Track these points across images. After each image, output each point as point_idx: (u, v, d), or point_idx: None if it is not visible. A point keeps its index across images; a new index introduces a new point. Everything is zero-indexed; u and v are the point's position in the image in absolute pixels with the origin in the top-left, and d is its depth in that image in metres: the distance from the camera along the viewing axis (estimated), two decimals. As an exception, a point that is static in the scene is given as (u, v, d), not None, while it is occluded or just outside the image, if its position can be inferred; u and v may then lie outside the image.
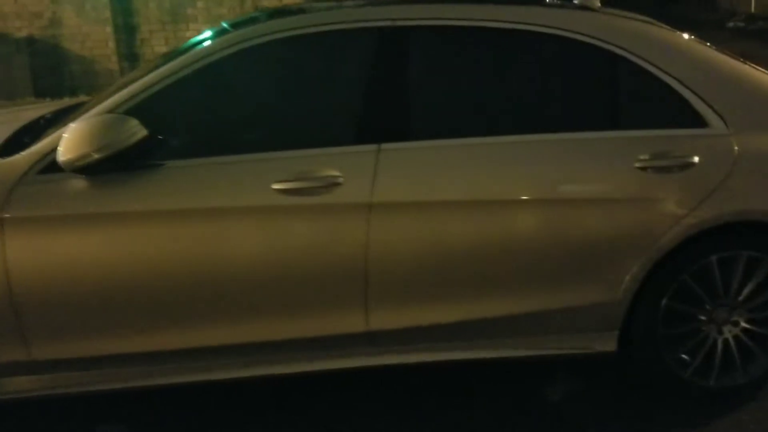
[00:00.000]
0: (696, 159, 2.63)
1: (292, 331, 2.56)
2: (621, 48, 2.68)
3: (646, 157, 2.61)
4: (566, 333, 2.76)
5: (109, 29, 8.61)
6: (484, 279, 2.62)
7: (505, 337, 2.74)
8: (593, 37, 2.68)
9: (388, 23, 2.63)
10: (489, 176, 2.59)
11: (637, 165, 2.60)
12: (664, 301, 2.72)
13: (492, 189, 2.58)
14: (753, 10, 14.80)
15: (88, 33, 8.62)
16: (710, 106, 2.68)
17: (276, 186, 2.46)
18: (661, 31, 2.84)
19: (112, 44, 8.58)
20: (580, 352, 2.78)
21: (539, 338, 2.76)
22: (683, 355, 2.82)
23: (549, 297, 2.67)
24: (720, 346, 2.82)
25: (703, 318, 2.79)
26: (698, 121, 2.68)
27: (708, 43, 2.94)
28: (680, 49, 2.78)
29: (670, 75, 2.68)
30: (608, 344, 2.77)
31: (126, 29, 8.69)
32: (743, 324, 2.82)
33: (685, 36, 2.86)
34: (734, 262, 2.71)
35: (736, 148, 2.65)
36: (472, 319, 2.66)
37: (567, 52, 2.71)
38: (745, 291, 2.76)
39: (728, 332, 2.82)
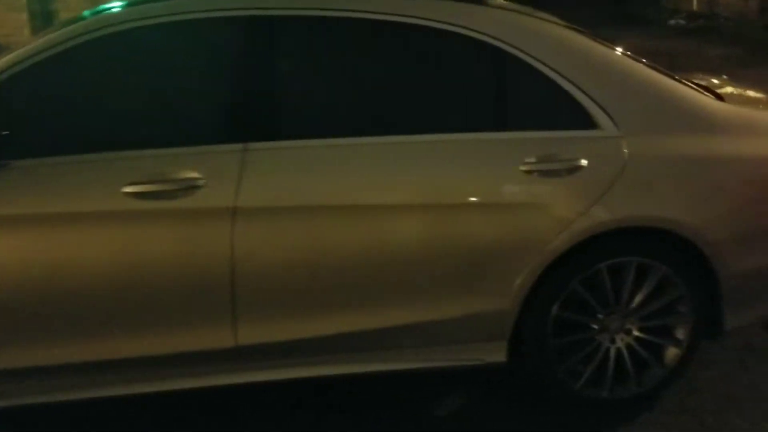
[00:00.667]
0: (584, 162, 2.51)
1: (151, 348, 2.36)
2: (509, 45, 2.54)
3: (533, 160, 2.48)
4: (454, 344, 2.62)
5: (24, 16, 8.23)
6: (363, 289, 2.46)
7: (389, 349, 2.59)
8: (479, 32, 2.53)
9: (256, 12, 2.44)
10: (365, 179, 2.43)
11: (523, 168, 2.47)
12: (553, 310, 2.60)
13: (368, 193, 2.42)
14: (695, 8, 14.99)
15: (3, 20, 8.22)
16: (601, 107, 2.56)
17: (127, 189, 2.25)
18: (554, 29, 2.70)
19: (27, 31, 8.19)
20: (470, 363, 2.65)
21: (426, 350, 2.62)
22: (575, 366, 2.70)
23: (434, 307, 2.53)
24: (613, 355, 2.72)
25: (594, 327, 2.68)
26: (588, 123, 2.56)
27: (613, 46, 2.82)
28: (572, 48, 2.65)
29: (560, 74, 2.55)
30: (498, 355, 2.65)
31: (43, 16, 8.31)
32: (636, 333, 2.72)
33: (580, 34, 2.72)
34: (625, 269, 2.61)
35: (626, 150, 2.54)
36: (351, 332, 2.50)
37: (449, 47, 2.56)
38: (637, 299, 2.66)
39: (621, 341, 2.72)
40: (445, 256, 2.48)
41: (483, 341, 2.63)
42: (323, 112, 2.51)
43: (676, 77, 2.91)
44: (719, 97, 2.84)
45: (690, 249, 2.61)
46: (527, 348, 2.66)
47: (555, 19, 2.78)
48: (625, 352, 2.72)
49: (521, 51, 2.54)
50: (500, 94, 2.57)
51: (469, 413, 2.79)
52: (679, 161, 2.60)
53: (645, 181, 2.56)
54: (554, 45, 2.61)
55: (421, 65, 2.59)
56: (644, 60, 3.03)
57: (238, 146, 2.34)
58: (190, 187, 2.28)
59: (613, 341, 2.72)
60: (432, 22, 2.51)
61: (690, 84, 2.85)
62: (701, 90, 2.83)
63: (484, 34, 2.53)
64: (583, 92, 2.55)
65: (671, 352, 2.75)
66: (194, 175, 2.29)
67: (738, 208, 2.65)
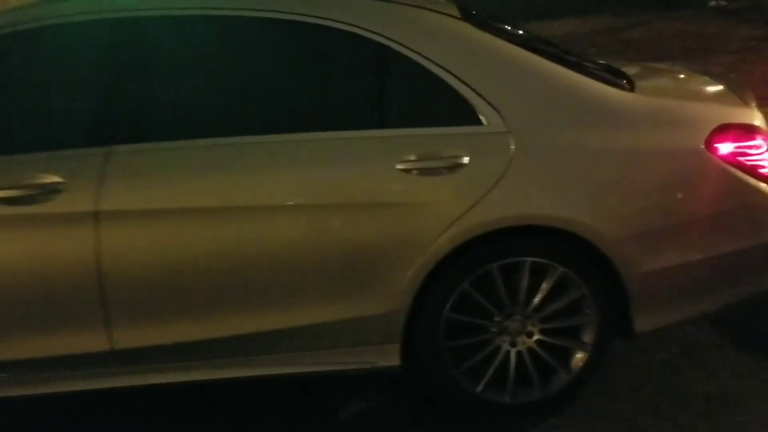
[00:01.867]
0: (466, 159, 2.41)
1: (25, 352, 2.40)
2: (386, 38, 2.46)
3: (412, 158, 2.40)
4: (345, 347, 2.56)
5: None
6: (242, 292, 2.43)
7: (276, 353, 2.55)
8: (354, 25, 2.46)
9: (121, 15, 2.43)
10: (238, 180, 2.40)
11: (401, 167, 2.39)
12: (445, 312, 2.52)
13: (241, 194, 2.39)
14: (739, -12, 14.31)
15: None
16: (488, 102, 2.45)
17: None
18: (435, 18, 2.58)
19: None
20: (363, 367, 2.58)
21: (316, 354, 2.57)
22: (473, 369, 2.61)
23: (319, 310, 2.48)
24: (513, 359, 2.61)
25: (492, 329, 2.58)
26: (473, 118, 2.45)
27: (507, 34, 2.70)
28: (456, 39, 2.54)
29: (442, 67, 2.46)
30: (391, 359, 2.57)
31: None
32: (538, 335, 2.61)
33: (467, 24, 2.59)
34: (519, 270, 2.50)
35: (512, 147, 2.43)
36: (234, 335, 2.47)
37: (324, 42, 2.50)
38: (535, 300, 2.55)
39: (522, 344, 2.61)
40: (325, 258, 2.43)
41: (374, 344, 2.56)
42: (192, 113, 2.49)
43: (588, 67, 2.77)
44: (630, 88, 2.67)
45: (589, 248, 2.48)
46: (420, 351, 2.58)
47: (449, 9, 2.66)
48: (526, 355, 2.61)
49: (400, 44, 2.45)
50: (379, 90, 2.49)
51: (371, 417, 2.74)
52: (572, 156, 2.47)
53: (533, 177, 2.45)
54: (436, 37, 2.51)
55: (295, 61, 2.54)
56: (557, 49, 2.90)
57: (102, 149, 2.35)
58: (52, 191, 2.30)
59: (513, 344, 2.61)
60: (305, 16, 2.45)
61: (599, 74, 2.71)
62: (610, 80, 2.68)
63: (360, 27, 2.45)
64: (468, 86, 2.45)
65: (577, 356, 2.63)
66: (55, 179, 2.30)
67: (640, 204, 2.50)
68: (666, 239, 2.53)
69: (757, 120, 2.66)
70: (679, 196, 2.53)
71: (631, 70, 3.00)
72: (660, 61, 8.46)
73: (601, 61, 3.08)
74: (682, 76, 3.21)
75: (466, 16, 2.65)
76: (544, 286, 2.53)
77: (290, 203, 2.39)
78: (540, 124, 2.48)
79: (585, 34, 11.18)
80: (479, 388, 2.61)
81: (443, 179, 2.41)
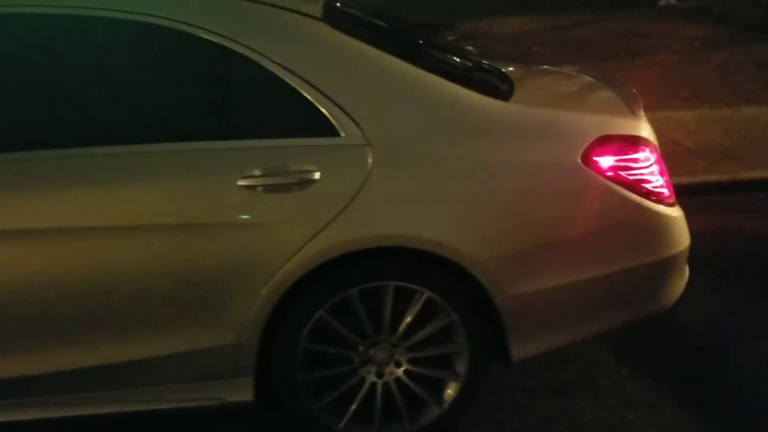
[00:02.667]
0: (317, 175, 2.17)
1: None
2: (226, 38, 2.20)
3: (256, 173, 2.16)
4: (189, 382, 2.31)
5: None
6: (68, 324, 2.17)
7: (116, 389, 2.29)
8: (189, 24, 2.20)
9: None
10: (50, 198, 2.12)
11: (243, 183, 2.15)
12: (300, 343, 2.28)
13: (66, 213, 2.12)
14: (689, -13, 14.29)
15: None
16: (344, 111, 2.22)
17: None
18: (286, 18, 2.32)
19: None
20: (211, 404, 2.34)
21: (155, 389, 2.31)
22: (336, 404, 2.38)
23: (159, 341, 2.22)
24: (380, 391, 2.39)
25: (356, 360, 2.36)
26: (327, 129, 2.22)
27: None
28: (311, 42, 2.30)
29: (293, 73, 2.21)
30: (244, 393, 2.33)
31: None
32: (406, 365, 2.39)
33: (327, 26, 2.34)
34: (382, 295, 2.28)
35: (370, 161, 2.20)
36: (67, 370, 2.21)
37: (157, 43, 2.23)
38: (401, 327, 2.33)
39: (390, 375, 2.39)
40: (162, 284, 2.18)
41: (223, 378, 2.31)
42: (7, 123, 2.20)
43: (467, 73, 2.57)
44: (507, 96, 2.46)
45: (456, 270, 2.26)
46: (276, 384, 2.35)
47: (310, 8, 2.41)
48: (394, 387, 2.39)
49: (244, 46, 2.21)
50: (220, 97, 2.25)
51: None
52: (436, 171, 2.25)
53: (393, 194, 2.22)
54: (287, 39, 2.27)
55: (125, 64, 2.26)
56: (440, 53, 2.69)
57: None
58: None
59: (380, 375, 2.39)
60: (129, 13, 2.18)
61: (478, 81, 2.51)
62: (487, 88, 2.47)
63: (198, 27, 2.20)
64: (323, 94, 2.22)
65: (450, 387, 2.41)
66: None
67: (511, 223, 2.29)
68: (540, 260, 2.33)
69: (644, 131, 2.47)
70: (554, 213, 2.32)
71: (517, 74, 2.80)
72: (605, 60, 8.40)
73: (487, 64, 2.87)
74: (570, 82, 3.01)
75: (331, 17, 2.40)
76: (410, 313, 2.31)
77: (120, 224, 2.13)
78: (402, 136, 2.26)
79: (533, 32, 11.08)
80: (342, 424, 2.39)
81: (292, 197, 2.17)
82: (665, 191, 2.46)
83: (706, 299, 3.29)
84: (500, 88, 2.53)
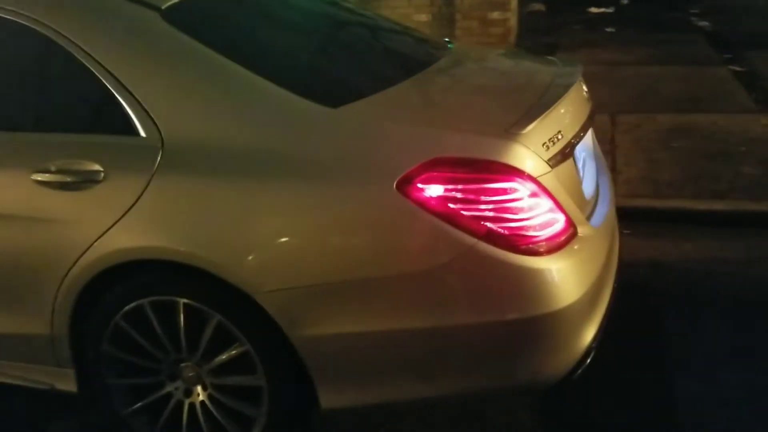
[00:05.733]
0: (103, 173, 2.05)
1: None
2: (36, 20, 2.14)
3: (51, 168, 2.10)
4: (21, 363, 2.38)
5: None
6: None
7: None
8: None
9: None
10: None
11: (36, 177, 2.11)
12: (104, 346, 2.21)
13: None
14: None
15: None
16: (145, 109, 2.05)
17: None
18: (110, 5, 2.19)
19: None
20: (45, 387, 2.37)
21: (7, 365, 2.40)
22: (145, 414, 2.28)
23: None
24: (186, 411, 2.23)
25: (161, 373, 2.22)
26: (128, 128, 2.06)
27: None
28: (131, 36, 2.14)
29: (104, 68, 2.08)
30: (68, 383, 2.33)
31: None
32: (210, 390, 2.19)
33: (160, 19, 2.14)
34: (171, 310, 2.10)
35: (156, 164, 2.01)
36: None
37: None
38: (200, 348, 2.13)
39: (197, 396, 2.21)
40: None
41: (52, 365, 2.33)
42: None
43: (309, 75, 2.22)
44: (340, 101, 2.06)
45: (247, 297, 2.00)
46: (93, 383, 2.31)
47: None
48: (199, 409, 2.21)
49: (52, 30, 2.12)
50: (25, 86, 2.20)
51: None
52: (225, 182, 1.98)
53: (172, 204, 2.01)
54: (105, 29, 2.14)
55: None
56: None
57: None
58: None
59: (189, 394, 2.22)
60: None
61: (319, 83, 2.16)
62: (320, 91, 2.10)
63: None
64: (129, 92, 2.06)
65: (257, 424, 2.16)
66: None
67: (306, 251, 1.94)
68: (346, 299, 1.94)
69: (513, 155, 1.90)
70: (360, 247, 1.92)
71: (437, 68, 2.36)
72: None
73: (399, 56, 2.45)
74: (485, 82, 2.45)
75: (176, 11, 2.21)
76: (205, 334, 2.10)
77: None
78: (198, 141, 2.02)
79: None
80: (152, 435, 2.28)
81: (80, 195, 2.08)
82: (527, 234, 1.89)
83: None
84: (345, 90, 2.13)
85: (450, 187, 1.86)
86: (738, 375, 2.60)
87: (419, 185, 1.86)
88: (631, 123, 5.26)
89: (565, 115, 2.19)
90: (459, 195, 1.86)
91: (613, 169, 4.55)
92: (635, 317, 3.03)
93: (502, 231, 1.87)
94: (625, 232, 3.86)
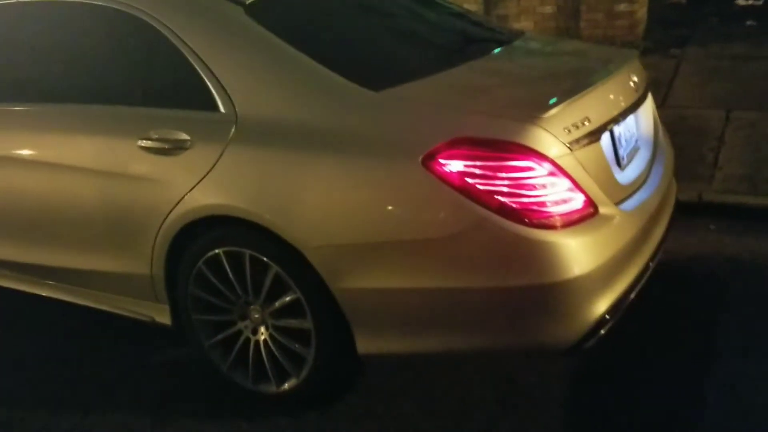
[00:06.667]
0: (189, 143, 2.47)
1: None
2: (146, 13, 2.60)
3: (151, 135, 2.55)
4: (127, 296, 2.87)
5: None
6: (44, 230, 2.92)
7: (86, 287, 2.98)
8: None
9: None
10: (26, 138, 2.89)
11: (140, 144, 2.57)
12: (189, 287, 2.65)
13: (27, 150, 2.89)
14: None
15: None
16: (226, 92, 2.45)
17: None
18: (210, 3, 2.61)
19: None
20: (144, 318, 2.86)
21: (114, 297, 2.92)
22: (221, 347, 2.70)
23: (98, 258, 2.82)
24: (253, 346, 2.62)
25: (234, 313, 2.63)
26: (211, 104, 2.47)
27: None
28: (212, 24, 2.55)
29: (196, 55, 2.51)
30: (164, 317, 2.81)
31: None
32: (271, 330, 2.57)
33: (246, 16, 2.53)
34: (240, 260, 2.49)
35: (230, 136, 2.41)
36: (49, 265, 3.00)
37: (80, 15, 2.75)
38: (262, 293, 2.51)
39: (261, 335, 2.60)
40: (89, 215, 2.75)
41: (151, 301, 2.82)
42: None
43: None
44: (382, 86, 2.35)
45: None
46: (183, 318, 2.76)
47: None
48: (263, 347, 2.60)
49: (158, 22, 2.57)
50: (126, 65, 2.69)
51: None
52: (283, 154, 2.33)
53: (240, 170, 2.40)
54: (191, 17, 2.56)
55: (61, 36, 2.85)
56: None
57: None
58: None
59: (255, 332, 2.62)
60: None
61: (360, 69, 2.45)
62: (368, 75, 2.39)
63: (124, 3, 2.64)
64: (213, 75, 2.47)
65: (306, 362, 2.51)
66: None
67: (346, 214, 2.25)
68: (379, 258, 2.24)
69: (529, 137, 2.12)
70: (392, 213, 2.20)
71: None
72: None
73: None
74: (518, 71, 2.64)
75: (256, 6, 2.59)
76: (266, 282, 2.47)
77: (68, 164, 2.75)
78: (266, 116, 2.39)
79: None
80: (225, 366, 2.69)
81: (174, 160, 2.51)
82: (540, 210, 2.10)
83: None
84: (392, 75, 2.41)
85: (469, 163, 2.10)
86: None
87: (441, 161, 2.11)
88: (746, 120, 5.10)
89: (598, 102, 2.34)
90: (477, 171, 2.10)
91: (715, 165, 4.49)
92: (687, 309, 3.08)
93: (514, 205, 2.08)
94: (711, 227, 3.88)
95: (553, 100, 2.20)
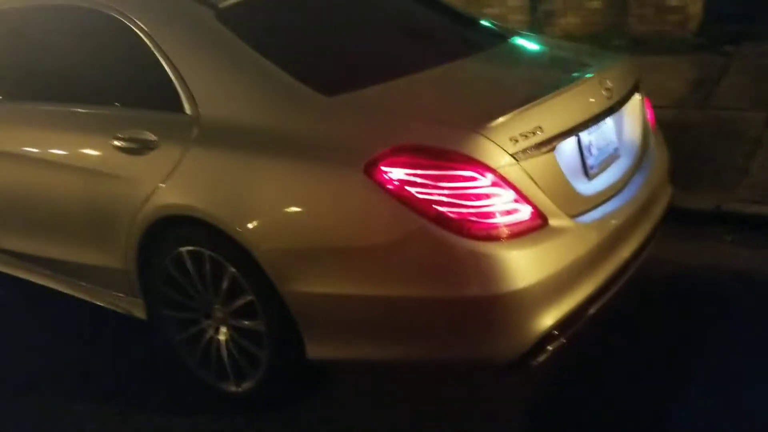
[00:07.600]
0: (156, 143, 2.52)
1: None
2: (126, 16, 2.65)
3: (123, 135, 2.61)
4: (105, 288, 2.96)
5: None
6: (31, 222, 3.06)
7: (71, 277, 3.09)
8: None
9: None
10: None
11: (114, 143, 2.63)
12: (158, 283, 2.70)
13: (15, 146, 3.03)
14: None
15: None
16: (190, 91, 2.48)
17: None
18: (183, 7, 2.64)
19: None
20: (126, 313, 2.95)
21: (95, 288, 3.01)
22: (188, 344, 2.74)
23: (77, 250, 2.92)
24: (215, 345, 2.65)
25: (198, 310, 2.66)
26: (177, 106, 2.51)
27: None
28: (182, 24, 2.57)
29: (162, 52, 2.55)
30: (140, 312, 2.88)
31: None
32: (230, 331, 2.59)
33: (215, 21, 2.54)
34: (201, 259, 2.52)
35: (193, 137, 2.44)
36: (36, 255, 3.14)
37: (71, 18, 2.84)
38: (221, 293, 2.54)
39: (222, 335, 2.63)
40: (65, 209, 2.85)
41: (128, 295, 2.89)
42: None
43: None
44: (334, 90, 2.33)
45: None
46: (155, 312, 2.82)
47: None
48: (223, 346, 2.63)
49: (137, 25, 2.62)
50: (102, 66, 2.78)
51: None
52: (237, 156, 2.34)
53: (198, 171, 2.42)
54: (165, 22, 2.59)
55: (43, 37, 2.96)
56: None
57: None
58: None
59: (217, 331, 2.64)
60: None
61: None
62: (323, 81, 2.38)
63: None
64: (178, 73, 2.51)
65: (261, 364, 2.52)
66: None
67: (293, 219, 2.24)
68: (323, 263, 2.23)
69: (472, 146, 2.05)
70: (334, 218, 2.18)
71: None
72: None
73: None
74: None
75: (229, 13, 2.60)
76: (224, 283, 2.49)
77: (53, 160, 2.86)
78: (227, 117, 2.41)
79: None
80: (191, 362, 2.74)
81: (143, 159, 2.56)
82: (481, 221, 2.03)
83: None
84: (348, 80, 2.38)
85: (410, 171, 2.05)
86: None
87: (383, 168, 2.07)
88: (791, 126, 4.81)
89: (554, 110, 2.25)
90: (417, 179, 2.05)
91: (746, 171, 4.25)
92: (676, 322, 2.94)
93: (453, 216, 2.02)
94: (727, 238, 3.68)
95: (500, 109, 2.12)
